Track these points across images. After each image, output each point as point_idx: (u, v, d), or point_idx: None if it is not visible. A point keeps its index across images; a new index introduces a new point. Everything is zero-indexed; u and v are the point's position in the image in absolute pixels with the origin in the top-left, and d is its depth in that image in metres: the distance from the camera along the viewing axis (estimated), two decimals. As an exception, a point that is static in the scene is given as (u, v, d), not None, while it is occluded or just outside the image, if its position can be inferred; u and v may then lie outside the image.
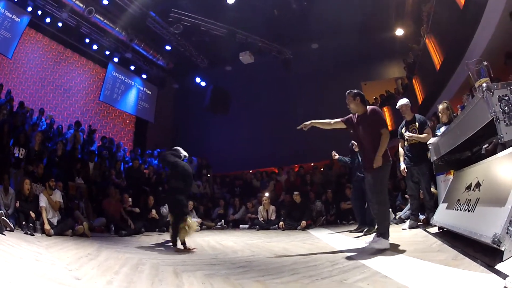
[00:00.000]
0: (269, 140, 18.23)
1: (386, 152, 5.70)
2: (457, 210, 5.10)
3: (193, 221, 7.14)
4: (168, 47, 18.39)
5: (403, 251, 5.07)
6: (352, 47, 16.52)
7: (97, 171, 12.54)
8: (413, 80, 15.59)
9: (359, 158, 8.76)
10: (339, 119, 6.15)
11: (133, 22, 15.97)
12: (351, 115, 6.09)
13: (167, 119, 20.74)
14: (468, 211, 4.57)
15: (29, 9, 14.17)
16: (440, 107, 7.55)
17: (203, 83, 20.56)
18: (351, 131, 6.23)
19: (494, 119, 3.75)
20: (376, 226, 7.07)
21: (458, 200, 5.20)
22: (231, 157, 18.24)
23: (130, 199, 11.54)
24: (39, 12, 14.59)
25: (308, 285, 3.71)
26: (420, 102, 14.53)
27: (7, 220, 7.54)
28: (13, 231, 7.62)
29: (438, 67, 12.81)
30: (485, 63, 4.49)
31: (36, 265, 4.76)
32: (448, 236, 5.38)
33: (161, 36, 17.37)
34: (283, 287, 3.71)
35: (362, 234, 8.15)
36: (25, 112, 13.07)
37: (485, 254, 3.79)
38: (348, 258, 5.05)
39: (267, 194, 13.21)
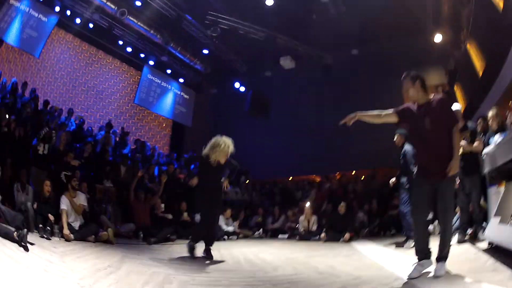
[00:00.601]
0: (309, 146, 17.59)
1: None
2: (511, 225, 4.74)
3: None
4: (205, 51, 17.92)
5: (457, 271, 4.50)
6: (392, 53, 15.81)
7: (129, 174, 11.91)
8: (455, 87, 14.91)
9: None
10: (391, 110, 4.93)
11: (169, 25, 15.61)
12: (407, 104, 4.93)
13: (204, 124, 20.16)
14: None
15: (57, 9, 13.84)
16: (490, 113, 6.96)
17: (242, 88, 20.00)
18: (408, 125, 5.01)
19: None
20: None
21: None
22: (270, 163, 17.75)
23: (162, 205, 11.01)
24: (68, 13, 14.29)
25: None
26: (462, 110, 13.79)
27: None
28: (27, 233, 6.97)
29: (480, 73, 12.17)
30: None
31: (43, 277, 4.09)
32: (501, 253, 4.92)
33: (198, 39, 16.91)
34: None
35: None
36: (53, 112, 12.74)
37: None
38: (401, 279, 4.53)
39: (308, 203, 12.52)
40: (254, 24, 16.04)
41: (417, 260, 4.56)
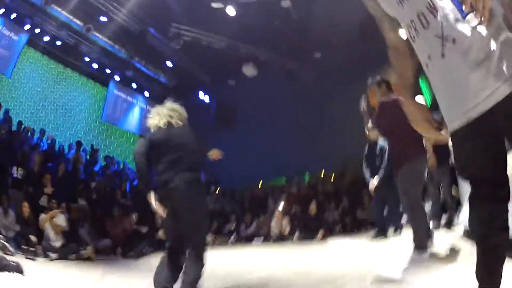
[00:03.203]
0: (277, 151, 17.77)
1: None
2: None
3: None
4: (169, 63, 18.07)
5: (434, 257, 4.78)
6: (355, 53, 15.92)
7: (101, 191, 12.15)
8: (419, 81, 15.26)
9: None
10: None
11: (133, 39, 15.75)
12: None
13: (172, 137, 20.32)
14: None
15: (27, 27, 13.84)
16: None
17: (206, 99, 20.19)
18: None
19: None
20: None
21: None
22: (239, 171, 17.77)
23: (134, 217, 11.09)
24: (37, 30, 14.29)
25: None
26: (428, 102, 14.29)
27: (6, 244, 7.17)
28: (13, 255, 7.16)
29: None
30: None
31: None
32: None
33: (161, 52, 17.07)
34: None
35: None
36: (26, 132, 12.88)
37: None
38: (376, 274, 4.68)
39: (280, 207, 12.83)
40: (216, 34, 16.25)
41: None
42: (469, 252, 4.47)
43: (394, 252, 5.84)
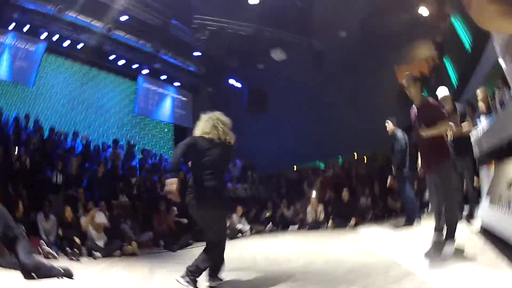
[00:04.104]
0: (310, 134, 17.82)
1: None
2: (498, 208, 5.04)
3: None
4: (197, 53, 18.13)
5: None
6: (380, 31, 15.88)
7: (141, 186, 12.32)
8: (444, 59, 15.11)
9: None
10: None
11: (156, 33, 15.82)
12: (412, 114, 5.55)
13: (206, 124, 20.44)
14: (509, 212, 4.56)
15: (43, 36, 14.05)
16: (479, 94, 7.29)
17: (238, 84, 20.23)
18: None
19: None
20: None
21: (500, 196, 5.14)
22: (273, 156, 17.90)
23: (175, 209, 11.15)
24: (55, 38, 14.47)
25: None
26: (454, 85, 13.97)
27: (50, 250, 7.46)
28: (56, 258, 7.45)
29: (467, 46, 12.32)
30: None
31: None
32: (490, 234, 5.33)
33: (188, 43, 17.16)
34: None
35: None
36: (58, 137, 13.09)
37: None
38: (398, 264, 5.02)
39: (314, 193, 12.89)
40: (240, 21, 16.24)
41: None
42: (480, 249, 4.94)
43: (418, 242, 6.14)
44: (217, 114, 5.20)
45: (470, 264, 4.31)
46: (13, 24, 13.26)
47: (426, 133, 5.13)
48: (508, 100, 5.57)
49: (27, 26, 13.59)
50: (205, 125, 5.05)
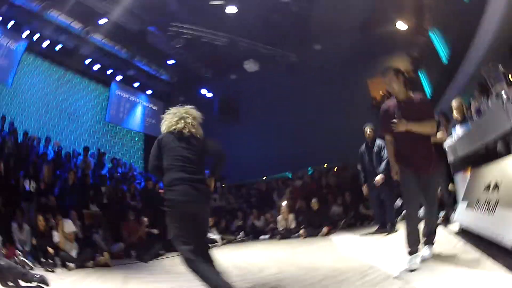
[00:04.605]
0: (281, 145, 18.04)
1: None
2: (477, 210, 5.16)
3: None
4: (170, 61, 18.19)
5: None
6: (355, 45, 16.33)
7: (111, 196, 12.23)
8: (419, 73, 15.62)
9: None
10: (387, 137, 5.01)
11: (133, 39, 15.86)
12: (383, 109, 4.97)
13: (176, 134, 20.44)
14: (488, 213, 4.66)
15: (25, 34, 13.99)
16: (454, 104, 7.37)
17: (209, 94, 20.31)
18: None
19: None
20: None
21: (478, 200, 5.27)
22: (244, 166, 17.90)
23: (146, 220, 11.09)
24: (36, 37, 14.42)
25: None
26: (428, 96, 14.38)
27: (25, 260, 7.37)
28: (32, 269, 7.27)
29: (444, 60, 12.79)
30: (501, 68, 4.66)
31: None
32: (470, 235, 5.38)
33: (162, 50, 17.20)
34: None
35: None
36: (32, 141, 12.92)
37: (509, 255, 3.86)
38: (376, 268, 4.96)
39: (284, 203, 12.88)
40: (216, 30, 16.32)
41: (409, 253, 4.62)
42: (461, 250, 4.95)
43: (394, 247, 6.16)
44: (187, 107, 4.89)
45: (453, 264, 4.32)
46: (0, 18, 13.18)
47: (407, 127, 4.61)
48: (485, 109, 5.71)
49: (12, 22, 13.55)
50: (172, 117, 4.74)
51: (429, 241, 4.93)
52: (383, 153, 8.47)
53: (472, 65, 10.69)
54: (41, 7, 13.21)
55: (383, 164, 8.40)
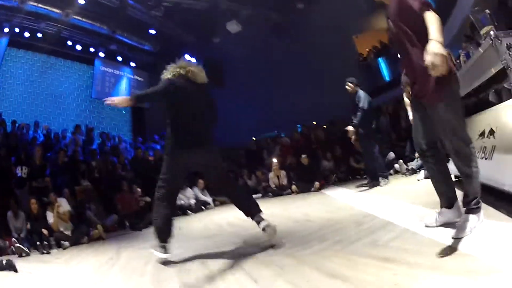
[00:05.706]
0: (267, 106, 18.25)
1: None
2: None
3: None
4: (152, 31, 18.16)
5: (425, 204, 4.86)
6: (339, 1, 16.21)
7: (102, 168, 12.45)
8: None
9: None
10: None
11: (113, 14, 15.91)
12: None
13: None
14: (485, 158, 4.48)
15: (6, 30, 14.24)
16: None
17: (193, 60, 20.24)
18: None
19: (505, 67, 3.73)
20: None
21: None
22: (233, 129, 17.95)
23: (139, 189, 11.38)
24: (17, 30, 14.65)
25: (340, 252, 3.67)
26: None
27: (21, 246, 7.65)
28: (29, 255, 7.67)
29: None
30: (487, 11, 4.55)
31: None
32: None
33: (143, 21, 17.25)
34: (315, 258, 3.64)
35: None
36: (21, 129, 13.19)
37: (509, 202, 3.77)
38: (372, 216, 5.04)
39: (275, 160, 13.11)
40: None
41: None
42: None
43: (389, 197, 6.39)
44: (188, 62, 5.00)
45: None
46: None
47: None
48: (474, 51, 5.25)
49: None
50: (174, 69, 4.89)
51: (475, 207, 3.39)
52: (361, 104, 8.52)
53: (458, 21, 10.64)
54: (19, 1, 13.29)
55: (358, 115, 8.48)
